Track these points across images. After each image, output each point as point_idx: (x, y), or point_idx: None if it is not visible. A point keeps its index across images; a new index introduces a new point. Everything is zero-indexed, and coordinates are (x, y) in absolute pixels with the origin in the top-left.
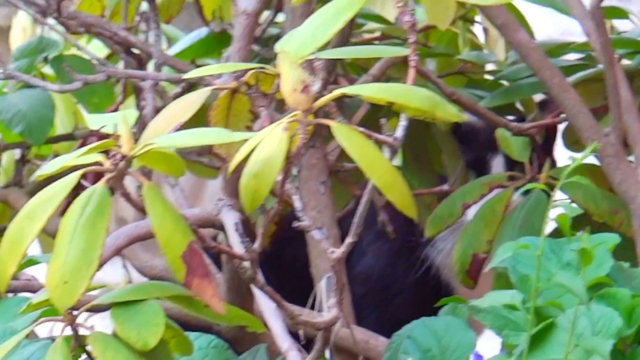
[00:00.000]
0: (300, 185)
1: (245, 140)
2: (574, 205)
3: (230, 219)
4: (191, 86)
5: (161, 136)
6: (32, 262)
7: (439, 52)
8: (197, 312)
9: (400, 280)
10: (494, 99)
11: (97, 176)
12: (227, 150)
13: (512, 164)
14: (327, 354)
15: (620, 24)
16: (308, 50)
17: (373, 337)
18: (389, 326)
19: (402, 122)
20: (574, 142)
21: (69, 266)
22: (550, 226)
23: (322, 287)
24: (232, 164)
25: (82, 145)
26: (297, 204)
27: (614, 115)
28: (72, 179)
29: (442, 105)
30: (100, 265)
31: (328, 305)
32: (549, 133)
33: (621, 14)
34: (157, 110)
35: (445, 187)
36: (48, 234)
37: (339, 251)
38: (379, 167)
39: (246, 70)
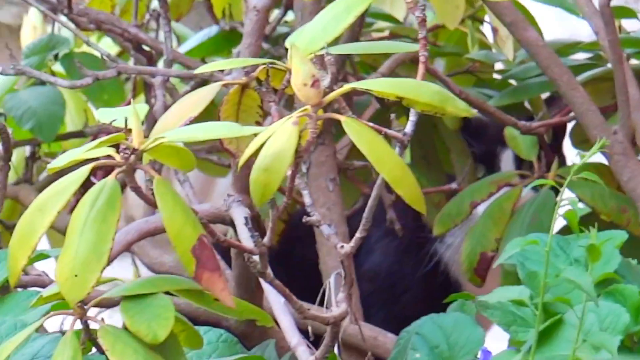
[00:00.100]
0: (309, 182)
1: (255, 135)
2: (581, 204)
3: (239, 214)
4: (201, 84)
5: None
6: (42, 256)
7: (448, 51)
8: (207, 305)
9: (408, 277)
10: (502, 98)
11: (107, 173)
12: (237, 146)
13: (521, 160)
14: (336, 349)
15: (628, 24)
16: (318, 45)
17: (381, 334)
18: (397, 323)
19: (412, 118)
20: (582, 141)
21: (79, 259)
22: (558, 224)
23: (331, 283)
24: (242, 159)
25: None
26: (307, 199)
27: (622, 113)
28: (83, 172)
29: (451, 100)
30: (110, 261)
31: (337, 300)
32: (558, 131)
33: (629, 13)
34: (167, 108)
35: (453, 185)
36: (57, 230)
37: (348, 246)
38: (389, 161)
39: (256, 66)
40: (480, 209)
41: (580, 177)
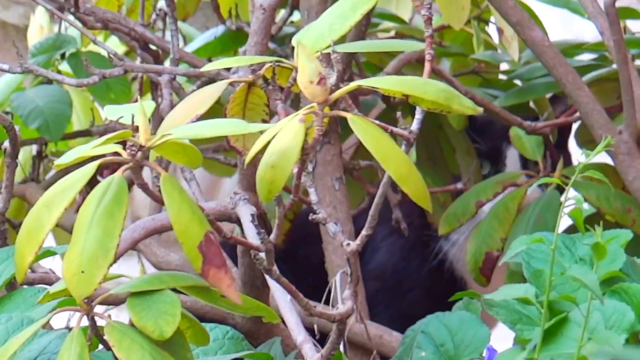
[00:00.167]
0: (316, 181)
1: (261, 133)
2: (586, 205)
3: (246, 212)
4: (208, 83)
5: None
6: (49, 253)
7: (454, 51)
8: (214, 302)
9: (414, 275)
10: (508, 98)
11: (113, 172)
12: (243, 144)
13: (526, 158)
14: (342, 347)
15: (633, 25)
16: (325, 42)
17: (387, 333)
18: (403, 321)
19: (418, 116)
20: (587, 141)
21: (86, 255)
22: (563, 225)
23: (337, 282)
24: (249, 156)
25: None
26: (313, 196)
27: (627, 113)
28: (90, 169)
29: (457, 98)
30: (117, 258)
31: (343, 297)
32: (563, 130)
33: (634, 14)
34: (174, 107)
35: (459, 185)
36: (64, 229)
37: (354, 244)
38: (395, 158)
39: (263, 64)
40: (486, 208)
41: (586, 178)
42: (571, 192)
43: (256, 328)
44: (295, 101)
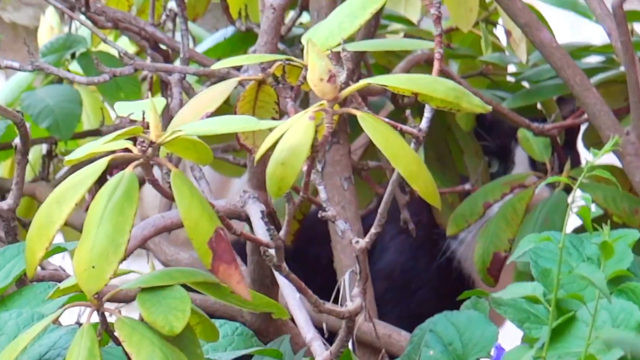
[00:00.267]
0: (324, 181)
1: (271, 131)
2: (593, 206)
3: (255, 210)
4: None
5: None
6: (59, 249)
7: (462, 53)
8: (223, 298)
9: (422, 274)
10: (515, 100)
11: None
12: (253, 142)
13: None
14: (350, 345)
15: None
16: (335, 40)
17: (395, 332)
18: (411, 321)
19: (427, 114)
20: (595, 144)
21: (96, 251)
22: (570, 226)
23: (345, 281)
24: (259, 152)
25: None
26: (322, 194)
27: (634, 115)
28: (101, 164)
29: (466, 96)
30: (127, 255)
31: (352, 294)
32: (571, 131)
33: None
34: (184, 106)
35: (467, 186)
36: (73, 227)
37: (363, 241)
38: (404, 156)
39: (273, 62)
40: (494, 209)
41: (593, 179)
42: (579, 193)
43: (265, 326)
44: (304, 102)
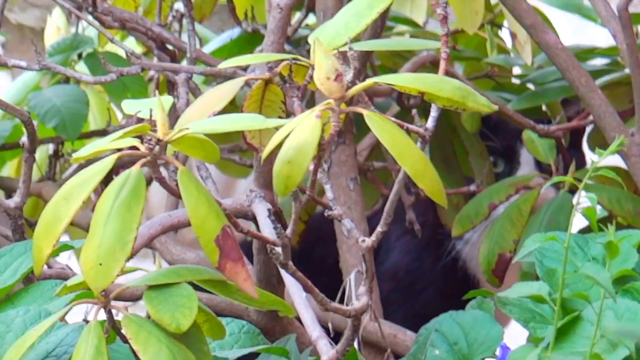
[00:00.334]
0: (331, 182)
1: (277, 130)
2: (598, 208)
3: (262, 208)
4: None
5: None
6: (66, 247)
7: (467, 55)
8: (230, 296)
9: (427, 274)
10: (521, 102)
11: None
12: (260, 140)
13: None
14: (356, 345)
15: None
16: (341, 40)
17: (400, 331)
18: (417, 321)
19: (433, 113)
20: (600, 146)
21: (104, 248)
22: (574, 228)
23: (351, 280)
24: (266, 151)
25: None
26: (329, 193)
27: (639, 116)
28: (108, 162)
29: (472, 95)
30: (134, 253)
31: (358, 293)
32: (576, 132)
33: None
34: None
35: (472, 187)
36: (79, 227)
37: (370, 240)
38: (411, 155)
39: (279, 62)
40: (499, 210)
41: (598, 181)
42: (583, 194)
43: (271, 325)
44: (310, 103)
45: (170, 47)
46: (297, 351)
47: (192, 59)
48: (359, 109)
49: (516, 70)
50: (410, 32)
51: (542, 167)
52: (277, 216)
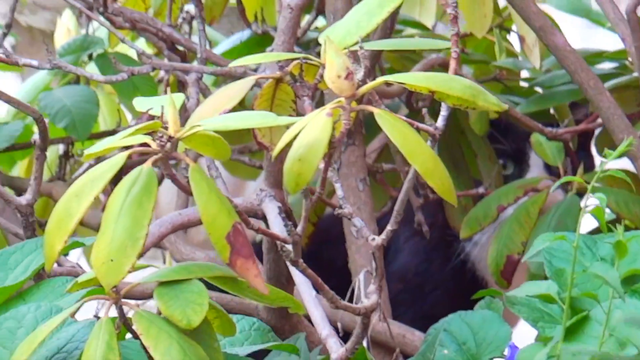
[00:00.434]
0: (340, 182)
1: (288, 128)
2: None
3: (272, 208)
4: None
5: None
6: (76, 244)
7: (476, 59)
8: (240, 292)
9: (436, 275)
10: (529, 105)
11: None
12: (270, 139)
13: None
14: (365, 344)
15: None
16: (352, 39)
17: (409, 332)
18: (425, 322)
19: (443, 112)
20: (608, 149)
21: (115, 244)
22: (582, 230)
23: (360, 280)
24: (277, 148)
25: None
26: (339, 191)
27: None
28: (119, 159)
29: (483, 94)
30: (145, 251)
31: (368, 291)
32: (585, 136)
33: None
34: None
35: (480, 189)
36: (89, 227)
37: (379, 238)
38: (421, 153)
39: (290, 61)
40: (507, 212)
41: (605, 184)
42: (590, 200)
43: (281, 324)
44: (319, 104)
45: (180, 47)
46: (307, 350)
47: (203, 59)
48: (370, 107)
49: (524, 74)
50: (419, 35)
51: (551, 170)
52: (288, 215)
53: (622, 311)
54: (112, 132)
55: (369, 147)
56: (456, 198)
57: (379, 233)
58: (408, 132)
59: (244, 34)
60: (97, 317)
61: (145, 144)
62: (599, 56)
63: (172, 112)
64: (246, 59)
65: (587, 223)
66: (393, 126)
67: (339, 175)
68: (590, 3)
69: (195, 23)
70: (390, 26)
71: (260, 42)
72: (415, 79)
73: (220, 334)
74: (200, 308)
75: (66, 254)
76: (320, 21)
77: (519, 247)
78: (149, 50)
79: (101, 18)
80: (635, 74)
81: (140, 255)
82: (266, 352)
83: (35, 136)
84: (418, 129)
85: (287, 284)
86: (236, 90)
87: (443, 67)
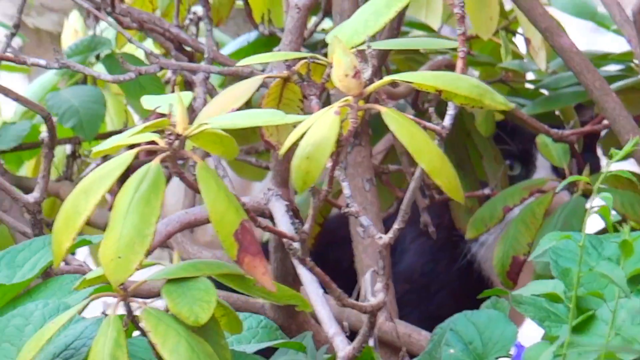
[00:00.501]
0: (347, 181)
1: (294, 127)
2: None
3: (279, 207)
4: None
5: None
6: (84, 242)
7: (482, 61)
8: (248, 290)
9: (442, 276)
10: (535, 107)
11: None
12: (277, 138)
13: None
14: (371, 343)
15: None
16: (360, 38)
17: (415, 331)
18: (431, 322)
19: (450, 111)
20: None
21: (123, 241)
22: (588, 231)
23: (367, 280)
24: (285, 146)
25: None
26: (346, 190)
27: None
28: (127, 156)
29: (490, 93)
30: (152, 249)
31: (374, 290)
32: (591, 137)
33: None
34: None
35: (486, 191)
36: (95, 226)
37: (387, 237)
38: (428, 152)
39: (298, 60)
40: (514, 212)
41: (611, 186)
42: (596, 201)
43: (287, 323)
44: (325, 104)
45: (187, 48)
46: (314, 348)
47: (210, 59)
48: (377, 106)
49: (529, 76)
50: (426, 37)
51: (558, 171)
52: (295, 214)
53: (627, 310)
54: (119, 133)
55: (375, 148)
56: (463, 196)
57: (385, 233)
58: (415, 131)
59: (250, 36)
60: (104, 314)
61: (153, 142)
62: (604, 58)
63: (180, 109)
64: (254, 57)
65: (593, 225)
66: (400, 125)
67: (345, 174)
68: (596, 6)
69: (202, 25)
70: (396, 27)
71: (267, 43)
72: (423, 77)
73: (227, 332)
74: (207, 305)
75: (73, 253)
76: (327, 23)
77: (525, 248)
78: (157, 51)
79: (109, 18)
80: None
81: (148, 253)
82: (274, 349)
83: (44, 134)
84: (425, 128)
85: (294, 283)
86: (243, 90)
87: (449, 68)
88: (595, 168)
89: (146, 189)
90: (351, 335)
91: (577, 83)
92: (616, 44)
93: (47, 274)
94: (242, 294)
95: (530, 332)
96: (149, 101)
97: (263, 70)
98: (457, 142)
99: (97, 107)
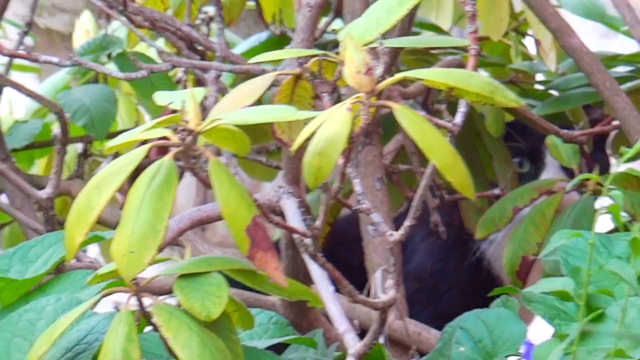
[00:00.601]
0: (359, 179)
1: (306, 124)
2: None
3: (290, 203)
4: None
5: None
6: (96, 238)
7: (492, 62)
8: (259, 286)
9: (452, 275)
10: (545, 108)
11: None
12: (289, 135)
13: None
14: (382, 340)
15: None
16: (371, 36)
17: (425, 330)
18: (441, 321)
19: (462, 109)
20: None
21: (135, 236)
22: (598, 231)
23: (377, 278)
24: (297, 142)
25: (144, 141)
26: (357, 187)
27: None
28: (140, 152)
29: (501, 90)
30: (164, 246)
31: (385, 287)
32: (601, 138)
33: None
34: None
35: (496, 191)
36: (106, 225)
37: (398, 234)
38: (440, 149)
39: (309, 58)
40: (523, 212)
41: (621, 186)
42: (605, 200)
43: (298, 321)
44: (337, 103)
45: (199, 47)
46: (324, 345)
47: (222, 58)
48: (389, 103)
49: (539, 77)
50: None
51: (567, 169)
52: (306, 210)
53: (637, 308)
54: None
55: (385, 148)
56: (474, 193)
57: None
58: (427, 128)
59: (262, 35)
60: (117, 309)
61: (165, 137)
62: (614, 59)
63: (193, 105)
64: (267, 55)
65: (602, 225)
66: (412, 122)
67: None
68: (605, 8)
69: (213, 26)
70: (407, 27)
71: (278, 43)
72: (435, 74)
73: (239, 327)
74: (219, 300)
75: (84, 251)
76: (337, 24)
77: (534, 247)
78: (168, 50)
79: (121, 17)
80: None
81: (160, 249)
82: (285, 345)
83: (56, 131)
84: (436, 126)
85: (305, 281)
86: (255, 87)
87: (460, 67)
88: (605, 168)
89: (159, 184)
90: (361, 333)
91: (587, 84)
92: (626, 49)
93: (60, 269)
94: (254, 291)
95: (539, 330)
96: (162, 97)
97: (274, 70)
98: (467, 143)
99: (108, 105)
